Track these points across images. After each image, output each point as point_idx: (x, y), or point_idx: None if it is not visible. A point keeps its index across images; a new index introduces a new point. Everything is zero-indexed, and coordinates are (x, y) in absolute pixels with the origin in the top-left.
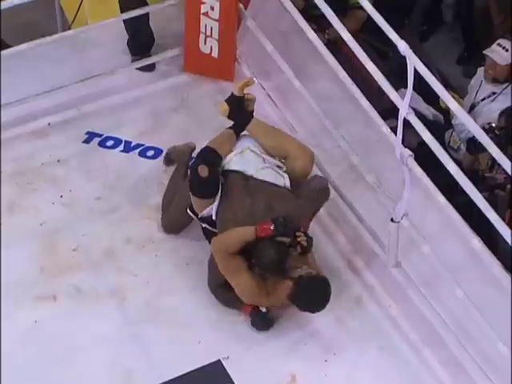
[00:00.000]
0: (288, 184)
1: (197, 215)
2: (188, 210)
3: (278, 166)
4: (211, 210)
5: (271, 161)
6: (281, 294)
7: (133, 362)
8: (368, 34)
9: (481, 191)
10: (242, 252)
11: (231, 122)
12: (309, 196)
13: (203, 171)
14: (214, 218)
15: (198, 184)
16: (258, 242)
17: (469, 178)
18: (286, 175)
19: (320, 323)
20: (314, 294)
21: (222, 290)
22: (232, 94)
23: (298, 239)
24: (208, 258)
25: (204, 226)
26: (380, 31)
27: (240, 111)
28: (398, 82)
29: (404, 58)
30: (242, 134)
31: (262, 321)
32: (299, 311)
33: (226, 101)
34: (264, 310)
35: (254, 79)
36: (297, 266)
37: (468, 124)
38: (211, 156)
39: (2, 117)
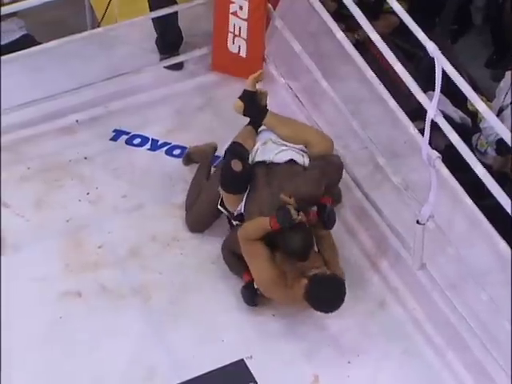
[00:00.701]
0: (307, 162)
1: (229, 211)
2: (219, 206)
3: (301, 150)
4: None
5: (293, 146)
6: (297, 292)
7: (156, 359)
8: (396, 35)
9: (508, 194)
10: (268, 241)
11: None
12: (316, 165)
13: (237, 166)
14: (242, 211)
15: (232, 179)
16: (283, 230)
17: (496, 181)
18: (306, 155)
19: (344, 325)
20: (326, 293)
21: (232, 254)
22: (245, 89)
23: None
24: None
25: (235, 223)
26: (408, 32)
27: (254, 106)
28: (427, 85)
29: (433, 59)
30: (260, 128)
31: (250, 294)
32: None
33: (239, 98)
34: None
35: (282, 79)
36: (315, 265)
37: (496, 126)
38: (241, 150)
39: (31, 113)
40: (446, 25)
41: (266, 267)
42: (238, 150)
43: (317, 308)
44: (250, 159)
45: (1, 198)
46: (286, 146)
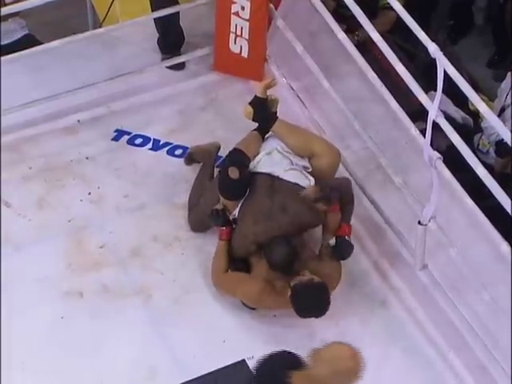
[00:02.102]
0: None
1: None
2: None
3: (304, 167)
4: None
5: (299, 162)
6: (287, 299)
7: (157, 359)
8: (396, 33)
9: (509, 195)
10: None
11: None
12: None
13: (234, 173)
14: (236, 216)
15: (228, 186)
16: (267, 244)
17: (498, 182)
18: (311, 178)
19: (345, 325)
20: (306, 301)
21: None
22: (255, 96)
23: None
24: None
25: (234, 226)
26: (407, 29)
27: (264, 112)
28: (426, 83)
29: (433, 59)
30: (267, 135)
31: None
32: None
33: (249, 103)
34: None
35: (283, 79)
36: (300, 271)
37: (497, 126)
38: (241, 158)
39: (33, 113)
40: (441, 21)
41: (246, 292)
42: (237, 157)
43: (303, 316)
44: (251, 166)
45: (1, 197)
46: (292, 161)
